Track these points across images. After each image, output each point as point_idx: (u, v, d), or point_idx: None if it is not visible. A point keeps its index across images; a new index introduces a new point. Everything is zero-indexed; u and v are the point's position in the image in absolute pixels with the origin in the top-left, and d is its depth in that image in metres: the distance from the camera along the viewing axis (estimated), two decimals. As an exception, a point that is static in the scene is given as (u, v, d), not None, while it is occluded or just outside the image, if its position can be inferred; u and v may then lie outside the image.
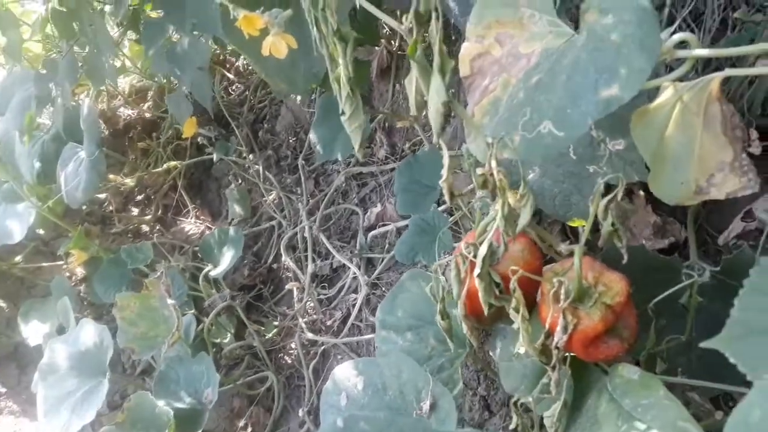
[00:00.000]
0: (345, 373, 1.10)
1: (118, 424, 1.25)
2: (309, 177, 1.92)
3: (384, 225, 1.58)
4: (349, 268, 1.61)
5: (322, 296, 1.65)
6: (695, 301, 0.71)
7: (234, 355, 1.72)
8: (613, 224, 0.64)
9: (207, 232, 2.13)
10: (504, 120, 0.73)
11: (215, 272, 1.68)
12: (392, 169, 1.72)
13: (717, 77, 0.75)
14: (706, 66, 0.92)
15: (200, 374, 1.30)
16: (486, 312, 0.69)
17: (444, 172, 0.70)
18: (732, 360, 0.38)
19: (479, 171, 0.68)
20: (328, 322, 1.60)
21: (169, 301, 1.32)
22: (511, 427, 0.75)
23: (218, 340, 1.77)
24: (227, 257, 1.69)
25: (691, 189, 0.80)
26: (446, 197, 0.73)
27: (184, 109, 1.40)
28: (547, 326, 0.65)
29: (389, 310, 1.18)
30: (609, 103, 0.63)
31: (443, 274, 0.77)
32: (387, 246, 1.57)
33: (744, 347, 0.38)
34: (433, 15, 0.60)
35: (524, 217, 0.67)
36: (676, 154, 0.77)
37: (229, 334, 1.76)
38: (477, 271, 0.66)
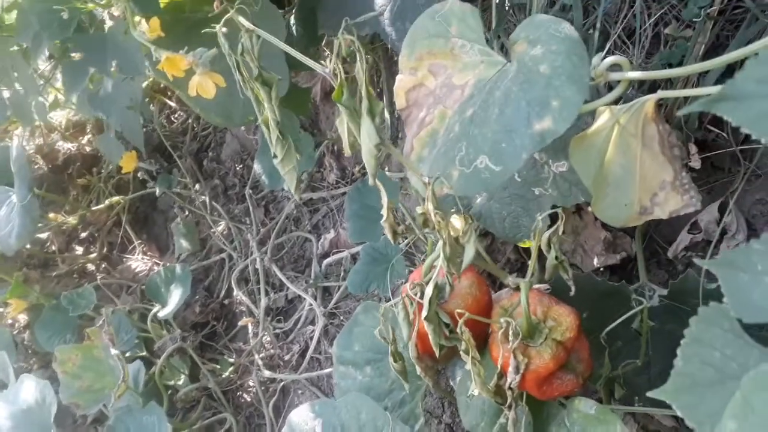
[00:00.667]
0: (302, 417, 1.06)
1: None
2: (258, 205, 1.88)
3: (338, 252, 1.56)
4: (305, 299, 1.58)
5: (278, 330, 1.61)
6: (647, 326, 0.71)
7: (190, 398, 1.66)
8: (557, 257, 0.64)
9: (155, 268, 2.06)
10: (441, 154, 0.72)
11: (163, 313, 1.62)
12: (343, 194, 1.70)
13: (651, 99, 0.76)
14: (642, 84, 0.93)
15: (151, 426, 1.25)
16: (438, 354, 0.67)
17: (384, 212, 0.68)
18: (679, 413, 0.37)
19: (419, 210, 0.67)
20: (286, 357, 1.56)
21: (113, 351, 1.26)
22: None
23: (172, 383, 1.71)
24: (175, 296, 1.63)
25: (635, 210, 0.81)
26: (389, 236, 0.71)
27: (115, 150, 1.35)
28: (499, 367, 0.63)
29: (346, 345, 1.15)
30: (543, 136, 0.62)
31: (391, 315, 0.75)
32: (342, 273, 1.55)
33: (690, 400, 0.37)
34: (358, 57, 0.59)
35: (468, 254, 0.66)
36: (618, 176, 0.78)
37: (183, 376, 1.70)
38: (424, 313, 0.64)
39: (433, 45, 0.78)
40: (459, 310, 0.62)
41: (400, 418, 1.05)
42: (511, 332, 0.60)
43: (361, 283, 1.22)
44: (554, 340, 0.62)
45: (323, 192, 1.74)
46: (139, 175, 1.92)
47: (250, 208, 1.81)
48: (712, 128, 0.99)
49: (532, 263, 0.64)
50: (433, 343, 0.67)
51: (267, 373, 1.49)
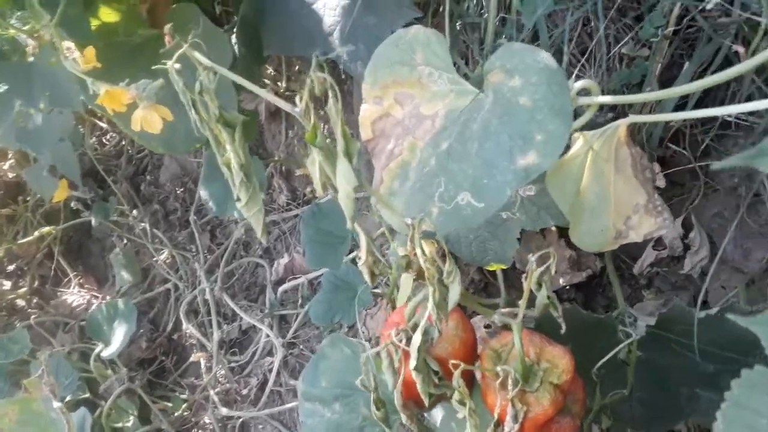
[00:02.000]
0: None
1: None
2: (203, 230, 1.80)
3: (294, 278, 1.50)
4: (261, 329, 1.51)
5: (233, 363, 1.54)
6: (635, 357, 0.71)
7: (140, 441, 1.56)
8: (548, 297, 0.62)
9: (93, 302, 1.94)
10: (417, 190, 0.69)
11: (107, 353, 1.52)
12: (296, 216, 1.64)
13: (623, 124, 0.76)
14: (612, 107, 0.93)
15: (102, 482, 1.16)
16: (427, 403, 0.64)
17: (363, 254, 0.65)
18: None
19: (401, 252, 0.63)
20: (244, 391, 1.49)
21: (56, 404, 1.17)
22: None
23: (120, 425, 1.61)
24: (119, 334, 1.54)
25: (611, 235, 0.80)
26: (367, 279, 0.67)
27: (47, 185, 1.26)
28: (496, 416, 0.61)
29: (312, 381, 1.10)
30: (528, 171, 0.60)
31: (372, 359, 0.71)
32: (300, 300, 1.49)
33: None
34: (331, 95, 0.55)
35: (453, 295, 0.63)
36: (593, 203, 0.77)
37: (132, 417, 1.60)
38: (413, 363, 0.61)
39: (397, 73, 0.75)
40: (454, 361, 0.59)
41: (375, 456, 1.01)
42: (510, 381, 0.58)
43: (325, 313, 1.17)
44: (551, 384, 0.61)
45: (274, 215, 1.68)
46: (72, 204, 1.80)
47: (196, 235, 1.73)
48: (671, 145, 1.01)
49: (523, 303, 0.62)
50: (422, 392, 0.64)
51: (224, 411, 1.42)
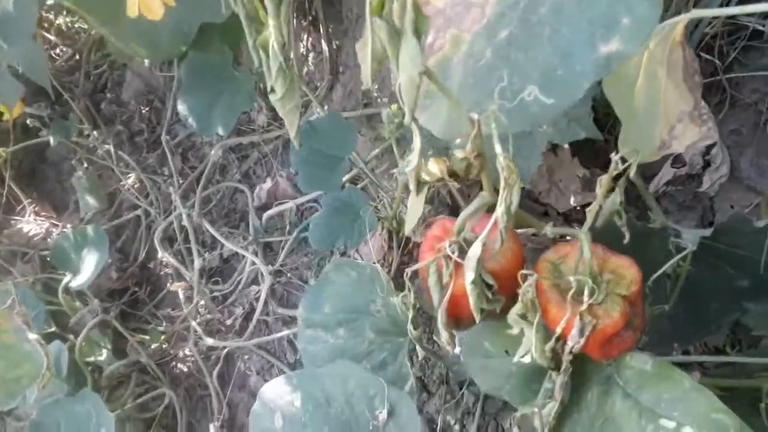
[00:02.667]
0: (276, 391, 0.96)
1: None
2: (174, 153, 1.68)
3: (281, 203, 1.42)
4: (243, 257, 1.44)
5: (215, 293, 1.46)
6: (686, 271, 0.67)
7: (116, 375, 1.49)
8: (621, 202, 0.57)
9: (53, 230, 1.81)
10: (470, 87, 0.62)
11: (77, 283, 1.42)
12: (277, 137, 1.54)
13: (682, 21, 0.69)
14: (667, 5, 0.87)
15: (86, 416, 1.09)
16: (478, 319, 0.59)
17: (414, 157, 0.58)
18: None
19: (459, 155, 0.57)
20: (228, 321, 1.43)
21: (30, 336, 1.07)
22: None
23: (92, 359, 1.52)
24: (89, 263, 1.43)
25: (656, 145, 0.76)
26: (413, 188, 0.61)
27: (11, 89, 1.11)
28: (559, 330, 0.56)
29: (314, 307, 1.05)
30: (609, 60, 0.54)
31: (410, 279, 0.65)
32: (287, 227, 1.42)
33: None
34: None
35: (516, 201, 0.57)
36: (646, 108, 0.72)
37: (105, 351, 1.52)
38: (471, 276, 0.55)
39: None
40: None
41: (385, 381, 0.97)
42: (587, 291, 0.53)
43: (325, 237, 1.11)
44: (619, 295, 0.56)
45: (253, 135, 1.57)
46: (28, 121, 1.64)
47: (168, 156, 1.61)
48: (703, 54, 0.96)
49: (593, 212, 0.57)
50: (474, 308, 0.59)
51: (210, 341, 1.35)
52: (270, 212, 1.43)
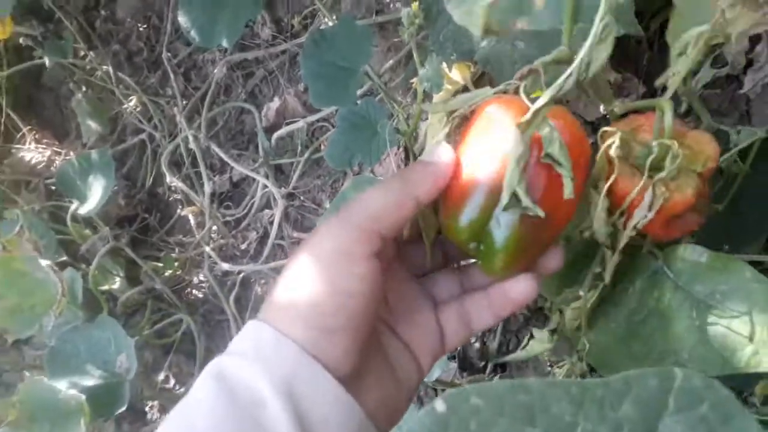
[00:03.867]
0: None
1: (11, 423, 1.03)
2: (177, 73, 1.62)
3: (291, 122, 1.37)
4: (255, 180, 1.41)
5: (228, 218, 1.44)
6: (743, 170, 0.64)
7: (131, 302, 1.49)
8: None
9: (56, 158, 1.78)
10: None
11: (85, 210, 1.40)
12: (283, 52, 1.48)
13: None
14: None
15: (106, 342, 1.09)
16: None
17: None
18: None
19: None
20: (243, 246, 1.42)
21: (43, 263, 1.06)
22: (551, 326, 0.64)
23: (106, 287, 1.53)
24: (97, 189, 1.40)
25: (704, 39, 0.70)
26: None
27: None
28: (626, 203, 0.51)
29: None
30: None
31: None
32: (299, 148, 1.38)
33: None
34: None
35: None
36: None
37: (118, 279, 1.52)
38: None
39: None
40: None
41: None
42: (668, 158, 0.48)
43: (342, 154, 1.06)
44: (694, 172, 0.51)
45: (257, 51, 1.50)
46: (21, 41, 1.57)
47: (171, 76, 1.55)
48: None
49: (676, 79, 0.51)
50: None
51: (225, 266, 1.34)
52: (279, 132, 1.39)
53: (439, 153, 0.45)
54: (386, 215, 0.42)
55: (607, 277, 0.58)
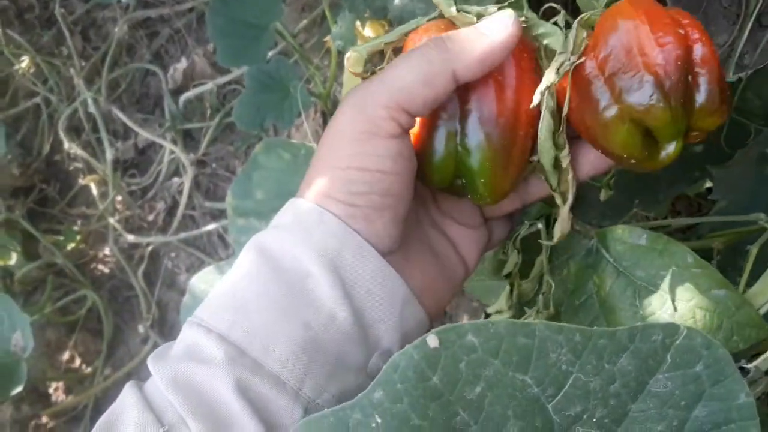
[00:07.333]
0: (207, 282, 0.95)
1: None
2: (73, 32, 1.53)
3: (199, 84, 1.34)
4: (161, 146, 1.37)
5: (133, 187, 1.40)
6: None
7: (30, 279, 1.43)
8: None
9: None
10: None
11: (-27, 179, 1.32)
12: (191, 9, 1.43)
13: None
14: None
15: (-2, 320, 1.05)
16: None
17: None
18: None
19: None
20: (150, 218, 1.38)
21: None
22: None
23: (1, 263, 1.46)
24: (-15, 157, 1.33)
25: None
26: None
27: None
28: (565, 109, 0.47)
29: (244, 194, 1.01)
30: None
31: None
32: (209, 112, 1.34)
33: None
34: None
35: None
36: None
37: (14, 254, 1.45)
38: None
39: None
40: None
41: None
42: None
43: (252, 116, 1.05)
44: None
45: (163, 8, 1.45)
46: None
47: (66, 34, 1.47)
48: None
49: None
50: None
51: (131, 238, 1.31)
52: (187, 95, 1.35)
53: (498, 21, 0.40)
54: (416, 91, 0.39)
55: (556, 237, 0.53)
